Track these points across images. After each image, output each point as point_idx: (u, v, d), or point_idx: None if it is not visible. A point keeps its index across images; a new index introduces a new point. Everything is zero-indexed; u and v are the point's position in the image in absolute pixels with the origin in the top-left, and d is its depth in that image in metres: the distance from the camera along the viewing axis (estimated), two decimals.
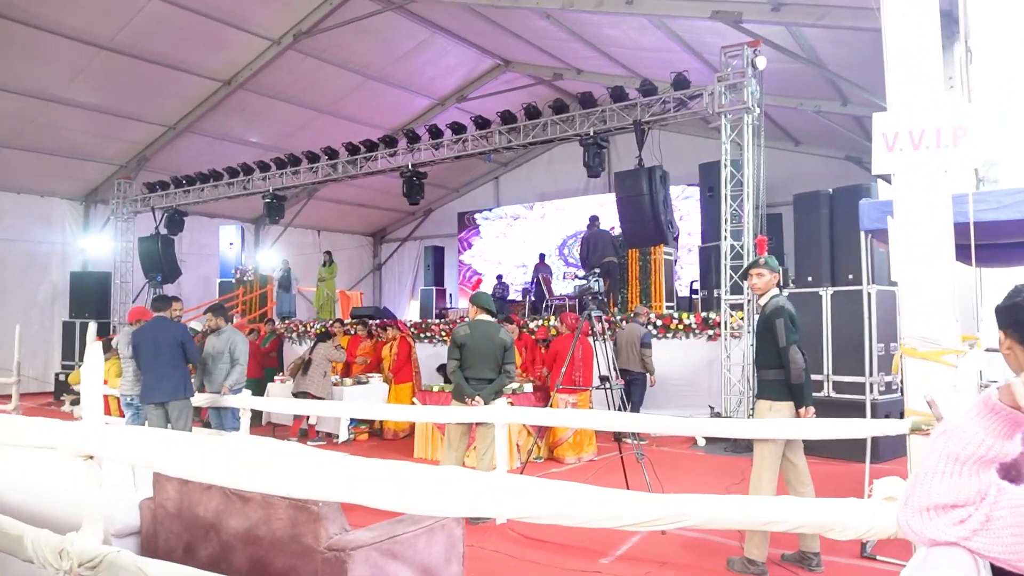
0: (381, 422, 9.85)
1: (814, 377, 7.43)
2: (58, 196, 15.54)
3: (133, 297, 15.31)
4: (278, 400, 9.38)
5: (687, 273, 14.72)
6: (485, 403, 5.79)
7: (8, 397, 9.94)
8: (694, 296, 12.51)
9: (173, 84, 13.20)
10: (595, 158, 10.18)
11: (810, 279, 8.50)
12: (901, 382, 4.14)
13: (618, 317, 10.72)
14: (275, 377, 10.81)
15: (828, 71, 10.80)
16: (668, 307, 11.63)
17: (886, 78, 3.99)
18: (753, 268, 4.64)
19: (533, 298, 15.18)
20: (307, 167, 13.47)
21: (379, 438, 9.85)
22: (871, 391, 7.56)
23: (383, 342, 10.86)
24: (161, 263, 14.90)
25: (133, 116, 13.90)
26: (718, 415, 8.96)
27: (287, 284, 16.65)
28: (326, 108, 14.96)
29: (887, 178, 4.21)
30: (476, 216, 19.63)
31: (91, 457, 2.99)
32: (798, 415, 4.41)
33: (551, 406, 7.72)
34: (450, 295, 18.63)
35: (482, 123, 11.47)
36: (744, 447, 7.91)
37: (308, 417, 9.52)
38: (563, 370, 7.15)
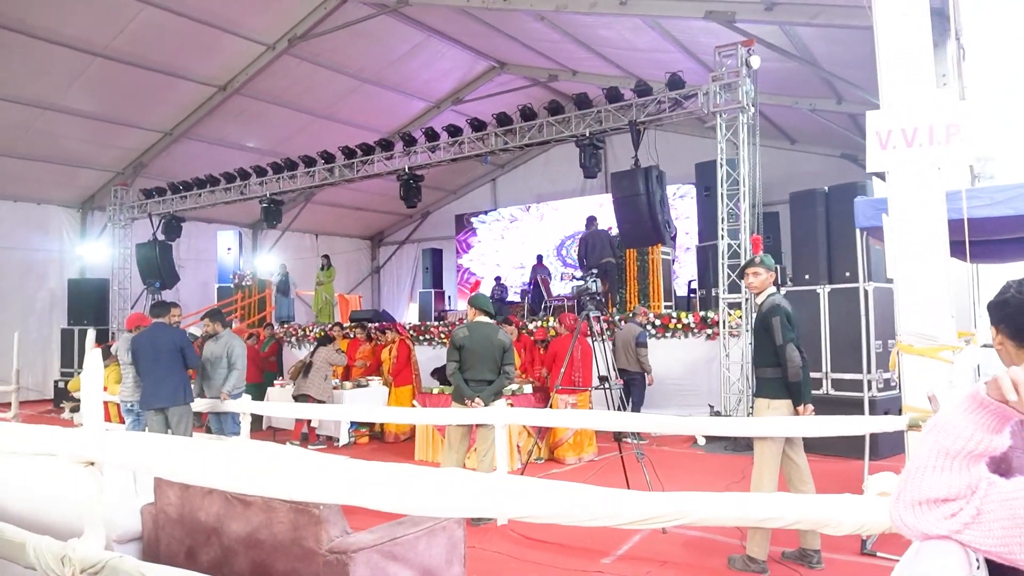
0: (382, 425, 9.86)
1: (813, 375, 7.45)
2: (55, 203, 15.53)
3: (131, 303, 15.29)
4: (278, 404, 9.39)
5: (685, 272, 14.75)
6: (485, 404, 5.80)
7: (7, 405, 9.94)
8: (692, 295, 12.54)
9: (169, 90, 13.20)
10: (591, 159, 10.20)
11: (807, 277, 8.53)
12: (899, 379, 4.16)
13: (616, 317, 10.74)
14: (275, 381, 10.82)
15: (822, 69, 10.84)
16: (666, 307, 11.65)
17: (879, 76, 4.02)
18: (749, 267, 4.66)
19: (531, 299, 15.20)
20: (304, 171, 13.48)
21: (380, 441, 9.86)
22: (870, 388, 7.59)
23: (382, 345, 10.87)
24: (159, 269, 14.89)
25: (129, 123, 13.90)
26: (718, 414, 8.98)
27: (285, 288, 16.66)
28: (322, 112, 14.97)
29: (882, 176, 4.23)
30: (473, 219, 19.65)
31: (92, 463, 3.00)
32: (797, 413, 4.43)
33: (551, 407, 7.74)
34: (449, 297, 18.64)
35: (478, 125, 11.49)
36: (744, 446, 7.92)
37: (309, 420, 9.53)
38: (562, 371, 7.17)
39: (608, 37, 12.12)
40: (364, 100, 14.91)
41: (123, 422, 7.67)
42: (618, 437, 6.27)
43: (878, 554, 4.53)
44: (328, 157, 13.14)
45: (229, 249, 16.97)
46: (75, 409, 11.27)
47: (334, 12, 12.21)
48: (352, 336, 11.74)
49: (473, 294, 6.41)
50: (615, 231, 11.85)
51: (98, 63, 11.90)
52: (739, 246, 8.91)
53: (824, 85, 11.71)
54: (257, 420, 9.62)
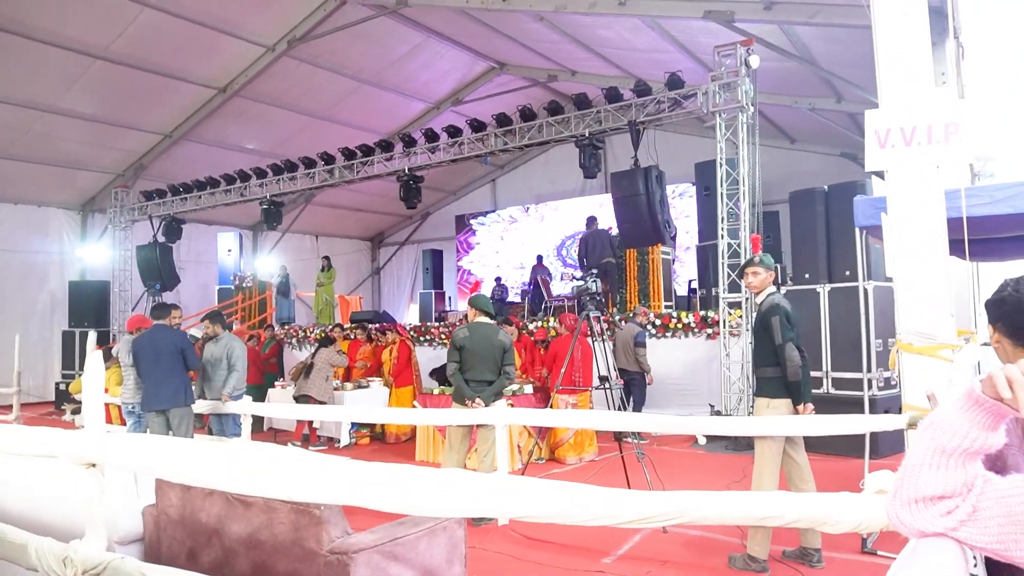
0: (383, 426, 9.87)
1: (813, 374, 7.45)
2: (55, 206, 15.55)
3: (132, 305, 15.30)
4: (279, 406, 9.40)
5: (685, 272, 14.75)
6: (485, 405, 5.81)
7: (9, 407, 9.95)
8: (692, 295, 12.55)
9: (169, 92, 13.22)
10: (591, 159, 10.21)
11: (807, 276, 8.53)
12: (898, 377, 4.17)
13: (617, 317, 10.75)
14: (275, 383, 10.83)
15: (822, 69, 10.84)
16: (667, 306, 11.66)
17: (877, 76, 4.02)
18: (748, 267, 4.67)
19: (531, 300, 15.21)
20: (304, 173, 13.48)
21: (381, 442, 9.87)
22: (870, 387, 7.60)
23: (383, 346, 10.88)
24: (159, 271, 14.90)
25: (129, 125, 13.91)
26: (718, 413, 8.98)
27: (286, 290, 16.67)
28: (322, 114, 14.98)
29: (881, 174, 4.24)
30: (472, 221, 19.66)
31: (93, 465, 3.00)
32: (797, 412, 4.44)
33: (551, 407, 7.74)
34: (449, 298, 18.65)
35: (478, 126, 11.49)
36: (745, 445, 7.92)
37: (311, 422, 9.54)
38: (562, 371, 7.17)
39: (607, 37, 12.13)
40: (364, 101, 14.92)
41: (124, 424, 7.68)
42: (619, 437, 6.27)
43: (878, 552, 4.53)
44: (328, 158, 13.15)
45: (229, 251, 16.98)
46: (76, 411, 11.29)
47: (333, 14, 12.22)
48: (352, 337, 11.75)
49: (473, 295, 6.42)
50: (615, 231, 11.86)
51: (98, 65, 11.91)
52: (739, 245, 8.92)
53: (823, 84, 11.71)
54: (258, 421, 9.63)
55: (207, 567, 3.20)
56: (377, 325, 12.19)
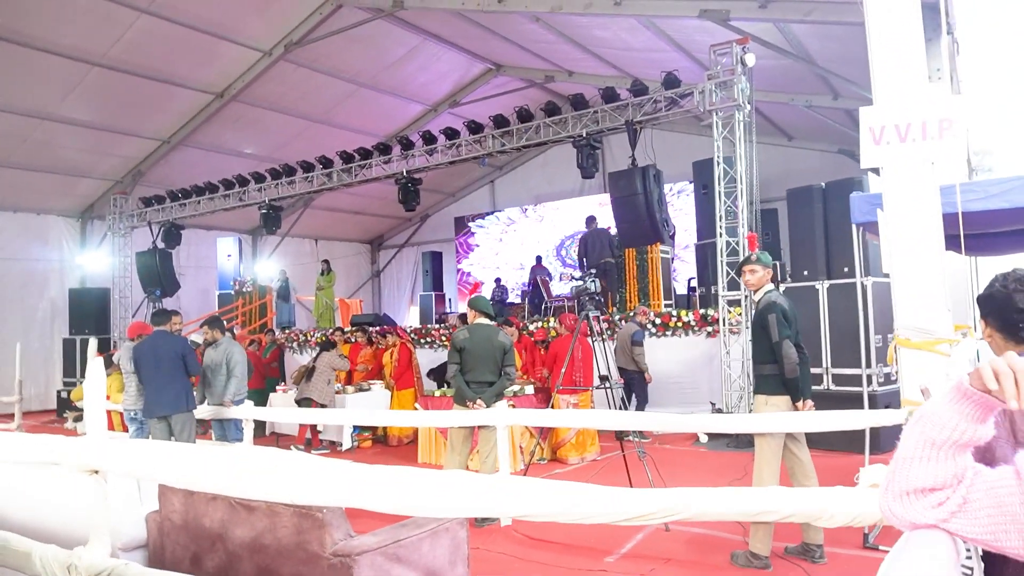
0: (385, 429, 9.88)
1: (813, 371, 7.46)
2: (54, 213, 15.56)
3: (132, 312, 15.32)
4: (280, 410, 9.41)
5: (685, 271, 14.77)
6: (487, 406, 5.82)
7: (11, 416, 9.96)
8: (692, 293, 12.57)
9: (166, 98, 13.24)
10: (588, 159, 10.22)
11: (806, 273, 8.54)
12: (897, 372, 4.18)
13: (617, 317, 10.76)
14: (277, 387, 10.84)
15: (818, 66, 10.86)
16: (667, 305, 11.68)
17: (871, 73, 4.04)
18: (745, 265, 4.69)
19: (531, 300, 15.23)
20: (302, 177, 13.50)
21: (383, 445, 9.88)
22: (870, 383, 7.61)
23: (383, 349, 10.90)
24: (160, 277, 14.91)
25: (127, 131, 13.93)
26: (719, 411, 8.99)
27: (286, 294, 16.69)
28: (319, 117, 15.00)
29: (877, 171, 4.26)
30: (471, 224, 19.68)
31: (96, 472, 3.02)
32: (796, 409, 4.45)
33: (552, 407, 7.76)
34: (449, 300, 18.67)
35: (475, 127, 11.51)
36: (746, 442, 7.94)
37: (313, 425, 9.54)
38: (563, 371, 7.18)
39: (603, 37, 12.16)
40: (361, 104, 14.94)
41: (127, 430, 7.69)
42: (620, 436, 6.29)
43: (880, 547, 4.54)
44: (326, 162, 13.17)
45: (229, 256, 17.00)
46: (78, 419, 11.29)
47: (329, 18, 12.25)
48: (353, 340, 11.76)
49: (472, 296, 6.44)
50: (615, 230, 11.88)
51: (95, 72, 11.94)
52: (737, 243, 8.93)
53: (820, 81, 11.73)
54: (260, 426, 9.65)
55: (211, 572, 3.22)
56: (377, 328, 12.21)
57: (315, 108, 14.72)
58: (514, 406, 6.76)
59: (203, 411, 7.06)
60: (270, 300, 16.22)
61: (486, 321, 6.12)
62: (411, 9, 11.81)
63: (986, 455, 1.28)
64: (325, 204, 18.22)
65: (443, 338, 12.57)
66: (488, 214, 19.62)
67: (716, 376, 9.38)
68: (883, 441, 6.62)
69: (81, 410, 9.57)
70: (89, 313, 14.77)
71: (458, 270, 19.68)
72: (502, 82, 15.75)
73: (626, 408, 7.65)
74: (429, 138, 12.03)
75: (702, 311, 10.17)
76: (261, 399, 10.12)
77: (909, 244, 3.80)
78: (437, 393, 8.69)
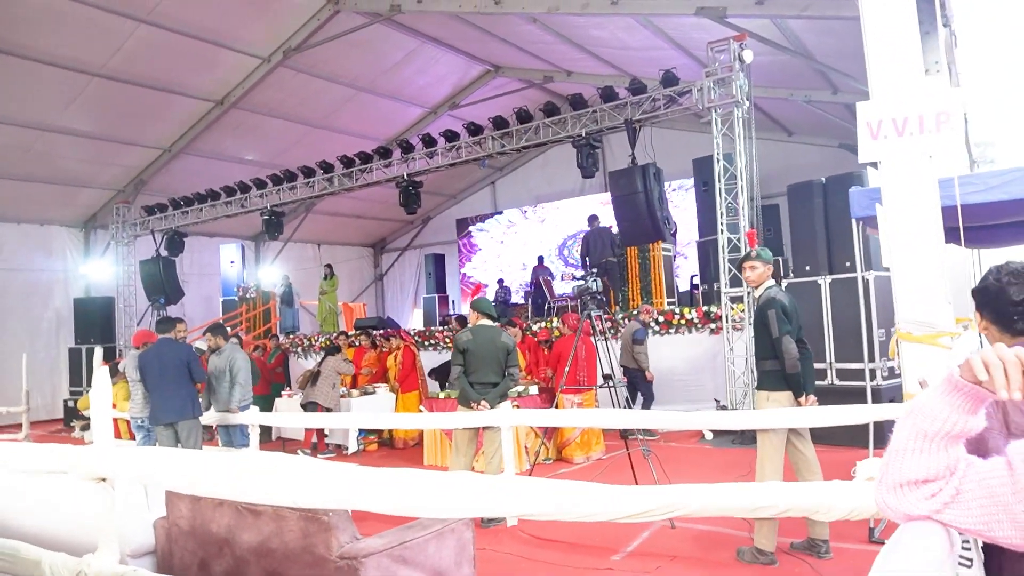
0: (391, 431, 9.90)
1: (817, 366, 7.46)
2: (57, 224, 15.63)
3: (137, 320, 15.37)
4: (285, 415, 9.44)
5: (687, 268, 14.77)
6: (491, 407, 5.84)
7: (18, 426, 10.01)
8: (695, 291, 12.57)
9: (166, 107, 13.29)
10: (588, 159, 10.24)
11: (808, 268, 8.55)
12: (899, 366, 4.18)
13: (620, 316, 10.77)
14: (282, 392, 10.87)
15: (816, 61, 10.86)
16: (669, 303, 11.68)
17: (867, 67, 4.05)
18: (746, 261, 4.70)
19: (533, 301, 15.25)
20: (303, 182, 13.54)
21: (389, 447, 9.90)
22: (875, 377, 7.61)
23: (387, 352, 10.93)
24: (163, 285, 14.97)
25: (128, 141, 13.99)
26: (724, 408, 9.00)
27: (289, 299, 16.73)
28: (319, 122, 15.04)
29: (876, 165, 4.26)
30: (472, 228, 19.71)
31: (104, 479, 3.05)
32: (798, 404, 4.46)
33: (556, 407, 7.77)
34: (452, 302, 18.70)
35: (475, 129, 11.54)
36: (751, 439, 7.92)
37: (320, 429, 9.57)
38: (566, 370, 7.20)
39: (601, 37, 12.17)
40: (360, 109, 14.97)
41: (134, 438, 7.73)
42: (625, 435, 6.30)
43: (886, 542, 4.54)
44: (327, 167, 13.21)
45: (232, 262, 17.04)
46: (85, 427, 11.35)
47: (327, 23, 12.28)
48: (357, 344, 11.79)
49: (475, 298, 6.46)
50: (617, 228, 11.88)
51: (95, 83, 11.99)
52: (739, 240, 8.94)
53: (819, 76, 11.72)
54: (266, 431, 9.67)
55: None
56: (381, 331, 12.24)
57: (315, 113, 14.76)
58: (518, 406, 6.78)
59: (209, 417, 7.10)
60: (274, 306, 16.26)
61: (489, 322, 6.14)
62: (408, 13, 11.84)
63: (979, 447, 1.30)
64: (327, 209, 18.26)
65: (447, 340, 12.58)
66: (489, 216, 19.63)
67: (720, 373, 9.38)
68: (887, 435, 6.63)
69: (88, 419, 9.62)
70: (94, 322, 14.84)
71: (461, 274, 19.71)
72: (501, 83, 15.77)
73: (630, 406, 7.66)
74: (429, 141, 12.06)
75: (705, 308, 10.17)
76: (266, 404, 10.15)
77: (908, 238, 3.80)
78: (442, 395, 8.71)
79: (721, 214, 9.06)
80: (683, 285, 13.87)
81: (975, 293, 1.74)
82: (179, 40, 11.55)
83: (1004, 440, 1.40)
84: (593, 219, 13.32)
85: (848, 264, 8.04)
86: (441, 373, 10.71)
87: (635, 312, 10.33)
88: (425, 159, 12.24)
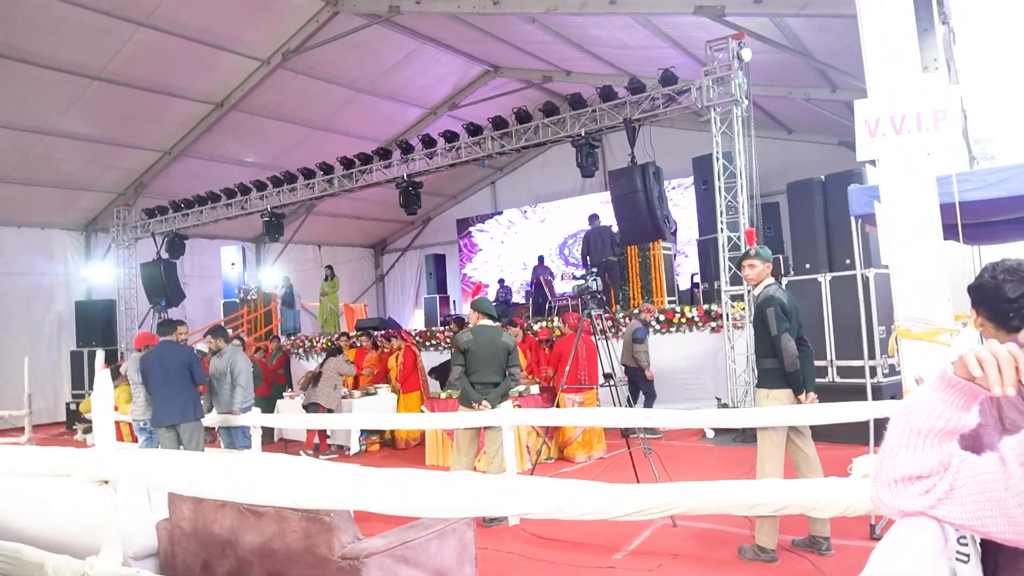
0: (392, 432, 9.91)
1: (817, 363, 7.47)
2: (58, 227, 15.64)
3: (139, 323, 15.39)
4: (287, 416, 9.45)
5: (688, 266, 14.77)
6: (492, 407, 5.85)
7: (21, 429, 10.03)
8: (695, 289, 12.58)
9: (166, 109, 13.30)
10: (588, 158, 10.25)
11: (808, 266, 8.56)
12: (899, 363, 4.19)
13: (621, 315, 10.78)
14: (284, 393, 10.88)
15: (815, 59, 10.86)
16: (670, 301, 11.69)
17: (865, 65, 4.06)
18: (745, 260, 4.71)
19: (533, 300, 15.26)
20: (303, 183, 13.56)
21: (391, 448, 9.91)
22: (875, 374, 7.62)
23: (388, 352, 10.94)
24: (164, 287, 14.98)
25: (128, 143, 14.00)
26: (725, 406, 9.00)
27: (290, 301, 16.74)
28: (319, 124, 15.05)
29: (875, 163, 4.27)
30: (472, 229, 19.73)
31: (106, 482, 3.06)
32: (798, 401, 4.47)
33: (558, 406, 7.78)
34: (453, 302, 18.72)
35: (474, 130, 11.55)
36: (752, 437, 7.90)
37: (321, 430, 9.58)
38: (567, 370, 7.21)
39: (600, 36, 12.17)
40: (360, 110, 14.98)
41: (136, 441, 7.75)
42: (626, 433, 6.30)
43: None
44: (327, 168, 13.22)
45: (233, 264, 17.06)
46: (88, 430, 11.36)
47: (326, 24, 12.29)
48: (358, 345, 11.80)
49: (475, 298, 6.47)
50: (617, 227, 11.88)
51: (95, 86, 12.00)
52: (739, 238, 8.94)
53: (817, 74, 11.73)
54: (268, 432, 9.69)
55: None
56: (382, 332, 12.25)
57: (314, 115, 14.77)
58: (520, 406, 6.79)
59: (211, 419, 7.11)
60: (275, 307, 16.28)
61: (489, 322, 6.15)
62: (407, 14, 11.84)
63: (975, 443, 1.30)
64: (327, 210, 18.27)
65: (447, 340, 12.60)
66: (489, 217, 19.64)
67: (721, 371, 9.39)
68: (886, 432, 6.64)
69: (90, 422, 9.64)
70: (95, 325, 14.86)
71: (462, 274, 19.72)
72: (500, 83, 15.78)
73: (631, 405, 7.66)
74: (429, 141, 12.07)
75: (706, 307, 10.18)
76: (268, 406, 10.16)
77: (907, 235, 3.81)
78: (443, 395, 8.72)
79: (721, 212, 9.07)
80: (684, 284, 13.88)
81: (971, 290, 1.75)
82: (178, 43, 11.57)
83: (999, 436, 1.41)
84: (594, 218, 13.33)
85: (848, 262, 8.05)
86: (441, 372, 10.73)
87: (636, 311, 10.34)
88: (425, 160, 12.25)
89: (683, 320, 10.22)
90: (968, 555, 1.58)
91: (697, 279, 12.58)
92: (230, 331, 10.39)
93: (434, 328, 14.12)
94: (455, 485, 2.31)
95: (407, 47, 13.43)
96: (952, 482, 1.16)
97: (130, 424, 8.13)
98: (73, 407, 13.54)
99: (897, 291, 3.92)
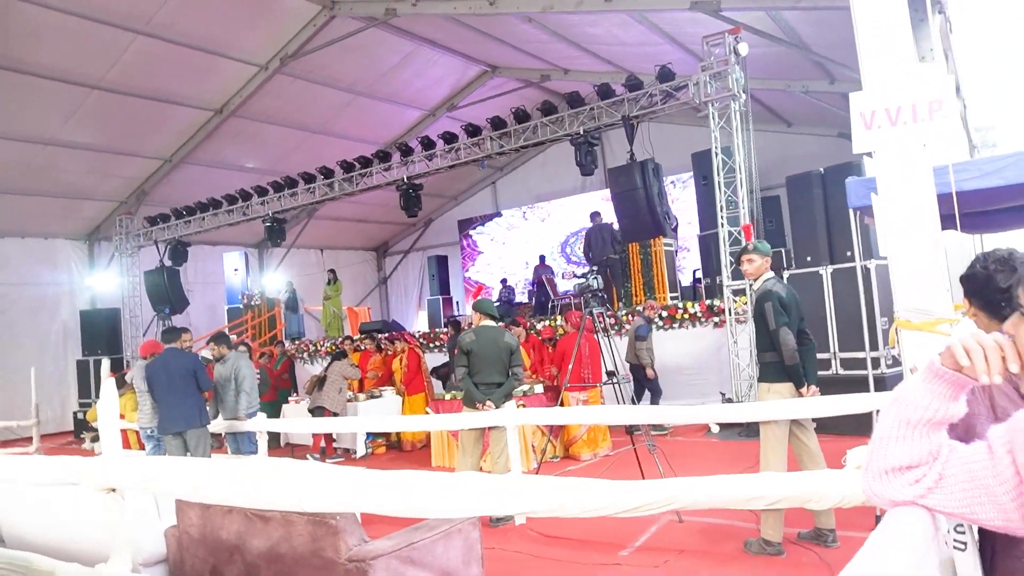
0: (398, 434, 9.94)
1: (821, 356, 7.46)
2: (61, 237, 15.69)
3: (143, 331, 15.44)
4: (292, 420, 9.49)
5: (690, 262, 14.78)
6: (496, 407, 5.86)
7: (29, 439, 10.07)
8: (698, 285, 12.58)
9: (166, 117, 13.34)
10: (587, 156, 10.26)
11: (809, 259, 8.56)
12: (900, 354, 4.20)
13: (623, 312, 10.79)
14: (289, 398, 10.92)
15: (812, 52, 10.85)
16: (672, 298, 11.69)
17: (859, 57, 4.06)
18: (743, 255, 4.73)
19: (534, 299, 15.29)
20: (304, 188, 13.59)
21: (397, 450, 9.94)
22: (878, 365, 7.62)
23: (392, 355, 10.97)
24: (168, 295, 15.04)
25: (129, 152, 14.05)
26: (730, 401, 9.01)
27: (293, 305, 16.77)
28: (318, 128, 15.08)
29: (871, 155, 4.28)
30: (472, 232, 19.75)
31: (113, 489, 3.09)
32: (800, 395, 4.48)
33: (561, 404, 7.80)
34: (457, 303, 18.74)
35: (473, 130, 11.56)
36: (757, 431, 7.94)
37: (327, 434, 9.61)
38: (569, 368, 7.23)
39: (596, 34, 12.18)
40: (359, 113, 15.01)
41: (144, 448, 7.79)
42: (631, 430, 6.32)
43: None
44: (327, 172, 13.25)
45: (236, 270, 17.10)
46: (96, 439, 11.41)
47: (323, 29, 12.31)
48: (362, 348, 11.83)
49: (477, 299, 6.50)
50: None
51: (95, 95, 12.05)
52: (740, 233, 8.94)
53: (815, 67, 11.72)
54: (275, 437, 9.73)
55: None
56: (385, 335, 12.28)
57: (313, 119, 14.80)
58: (524, 405, 6.81)
59: (217, 425, 7.15)
60: (279, 312, 16.31)
61: (491, 323, 6.17)
62: (403, 16, 11.86)
63: (967, 433, 1.32)
64: (328, 214, 18.30)
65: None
66: (489, 219, 19.66)
67: (725, 366, 9.39)
68: None
69: (98, 430, 9.68)
70: (101, 334, 14.91)
71: (466, 278, 19.76)
72: (499, 83, 15.79)
73: (636, 402, 7.67)
74: (428, 143, 12.09)
75: (708, 302, 10.18)
76: (274, 411, 10.20)
77: (904, 226, 3.81)
78: (447, 396, 8.74)
79: (721, 208, 9.07)
80: (686, 280, 13.89)
81: (963, 280, 1.77)
82: (176, 50, 11.61)
83: (991, 426, 1.42)
84: (595, 216, 13.35)
85: (849, 254, 8.05)
86: (442, 373, 10.78)
87: (639, 308, 10.35)
88: (424, 162, 12.27)
89: (686, 316, 10.23)
90: (965, 543, 1.60)
91: (699, 275, 12.57)
92: (233, 337, 10.44)
93: (438, 330, 14.15)
94: (458, 486, 2.33)
95: (404, 49, 13.45)
96: (941, 471, 1.18)
97: (137, 432, 8.16)
98: (80, 416, 13.59)
99: (896, 282, 3.93)
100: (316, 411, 9.23)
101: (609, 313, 9.72)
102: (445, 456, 8.38)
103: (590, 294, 6.70)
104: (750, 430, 8.30)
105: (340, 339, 13.03)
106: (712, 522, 5.12)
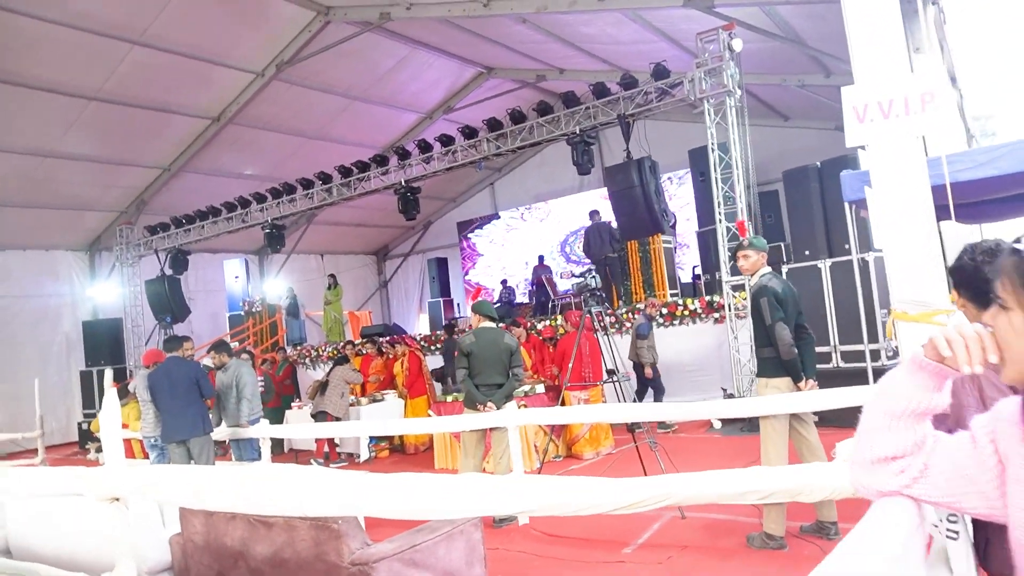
0: (401, 437, 9.96)
1: (821, 349, 7.48)
2: (62, 248, 15.73)
3: (145, 340, 15.48)
4: (295, 426, 9.51)
5: (690, 259, 14.79)
6: (497, 408, 5.88)
7: (34, 451, 10.10)
8: (697, 281, 12.59)
9: (164, 126, 13.38)
10: (584, 156, 10.27)
11: (807, 253, 8.57)
12: (898, 346, 4.21)
13: (623, 311, 10.80)
14: (292, 404, 10.94)
15: (807, 46, 10.86)
16: (672, 294, 11.71)
17: (850, 51, 4.08)
18: (738, 251, 4.75)
19: (534, 299, 15.30)
20: (303, 194, 13.62)
21: (400, 453, 9.96)
22: (878, 358, 7.64)
23: (394, 358, 10.99)
24: (170, 303, 15.07)
25: (128, 162, 14.09)
26: (731, 396, 9.02)
27: (295, 311, 16.81)
28: (315, 134, 15.11)
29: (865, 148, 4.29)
30: (471, 235, 19.77)
31: (117, 499, 3.10)
32: (798, 389, 4.49)
33: (563, 404, 7.81)
34: (457, 305, 18.76)
35: (469, 132, 11.58)
36: (758, 426, 7.96)
37: (330, 438, 9.63)
38: (570, 367, 7.24)
39: (591, 33, 12.20)
40: (355, 118, 15.04)
41: (147, 457, 7.81)
42: (632, 428, 6.33)
43: None
44: (325, 177, 13.27)
45: (237, 277, 17.14)
46: (100, 449, 11.43)
47: (318, 34, 12.34)
48: (364, 352, 11.85)
49: (476, 301, 6.51)
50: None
51: (93, 106, 12.09)
52: (737, 229, 8.96)
53: (811, 61, 11.73)
54: (278, 443, 9.74)
55: None
56: (386, 338, 12.30)
57: (310, 125, 14.83)
58: (525, 405, 6.83)
59: (220, 433, 7.17)
60: (280, 318, 16.35)
61: (491, 324, 6.19)
62: (398, 20, 11.89)
63: (958, 424, 1.33)
64: (327, 219, 18.33)
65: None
66: (488, 221, 19.68)
67: (726, 361, 9.41)
68: None
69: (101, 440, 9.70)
70: (103, 344, 14.94)
71: (466, 281, 19.77)
72: (495, 84, 15.81)
73: (638, 400, 7.68)
74: (425, 146, 12.11)
75: (708, 298, 10.20)
76: (277, 416, 10.23)
77: (899, 219, 3.82)
78: (448, 398, 8.76)
79: (719, 203, 9.08)
80: (685, 276, 13.90)
81: (951, 272, 1.78)
82: (173, 60, 11.64)
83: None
84: (594, 214, 13.37)
85: (847, 247, 8.07)
86: (441, 374, 10.81)
87: (640, 306, 10.36)
88: (422, 165, 12.29)
89: (686, 312, 10.25)
90: (957, 532, 1.61)
91: (698, 271, 12.59)
92: (235, 345, 10.46)
93: (439, 332, 14.17)
94: (458, 487, 2.34)
95: (399, 53, 13.48)
96: (926, 461, 1.19)
97: (142, 441, 8.19)
98: (85, 427, 13.63)
99: (892, 274, 3.94)
100: (319, 416, 9.24)
101: (608, 312, 9.74)
102: (448, 458, 8.40)
103: (588, 293, 6.71)
104: (752, 425, 8.29)
105: (342, 344, 13.05)
106: (715, 517, 5.14)
